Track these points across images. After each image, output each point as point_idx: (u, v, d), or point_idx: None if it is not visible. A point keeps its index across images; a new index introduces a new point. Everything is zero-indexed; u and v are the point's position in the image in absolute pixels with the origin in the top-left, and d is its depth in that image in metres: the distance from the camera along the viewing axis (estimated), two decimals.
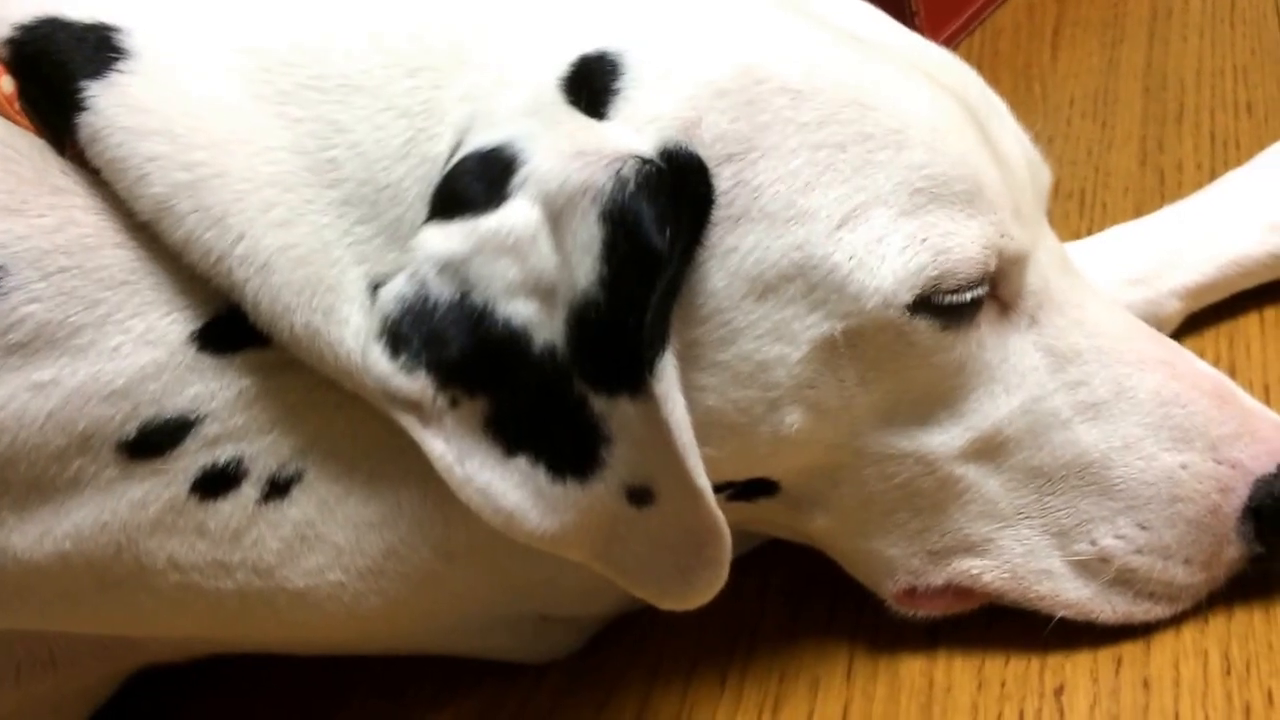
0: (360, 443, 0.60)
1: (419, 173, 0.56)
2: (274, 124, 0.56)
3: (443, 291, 0.53)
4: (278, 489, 0.59)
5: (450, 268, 0.53)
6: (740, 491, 0.63)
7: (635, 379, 0.52)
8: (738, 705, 0.69)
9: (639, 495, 0.55)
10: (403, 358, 0.53)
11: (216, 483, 0.58)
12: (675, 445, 0.53)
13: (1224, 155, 0.99)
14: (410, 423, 0.54)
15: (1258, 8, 1.18)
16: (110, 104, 0.55)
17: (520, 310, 0.53)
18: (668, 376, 0.53)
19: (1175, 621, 0.65)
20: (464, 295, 0.53)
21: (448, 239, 0.53)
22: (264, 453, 0.59)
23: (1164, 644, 0.65)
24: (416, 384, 0.53)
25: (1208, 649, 0.64)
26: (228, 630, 0.65)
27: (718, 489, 0.61)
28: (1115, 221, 0.87)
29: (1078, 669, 0.65)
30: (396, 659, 0.75)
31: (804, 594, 0.73)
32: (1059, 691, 0.64)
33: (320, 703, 0.76)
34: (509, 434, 0.54)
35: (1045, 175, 0.66)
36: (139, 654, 0.70)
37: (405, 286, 0.53)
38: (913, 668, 0.68)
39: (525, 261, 0.52)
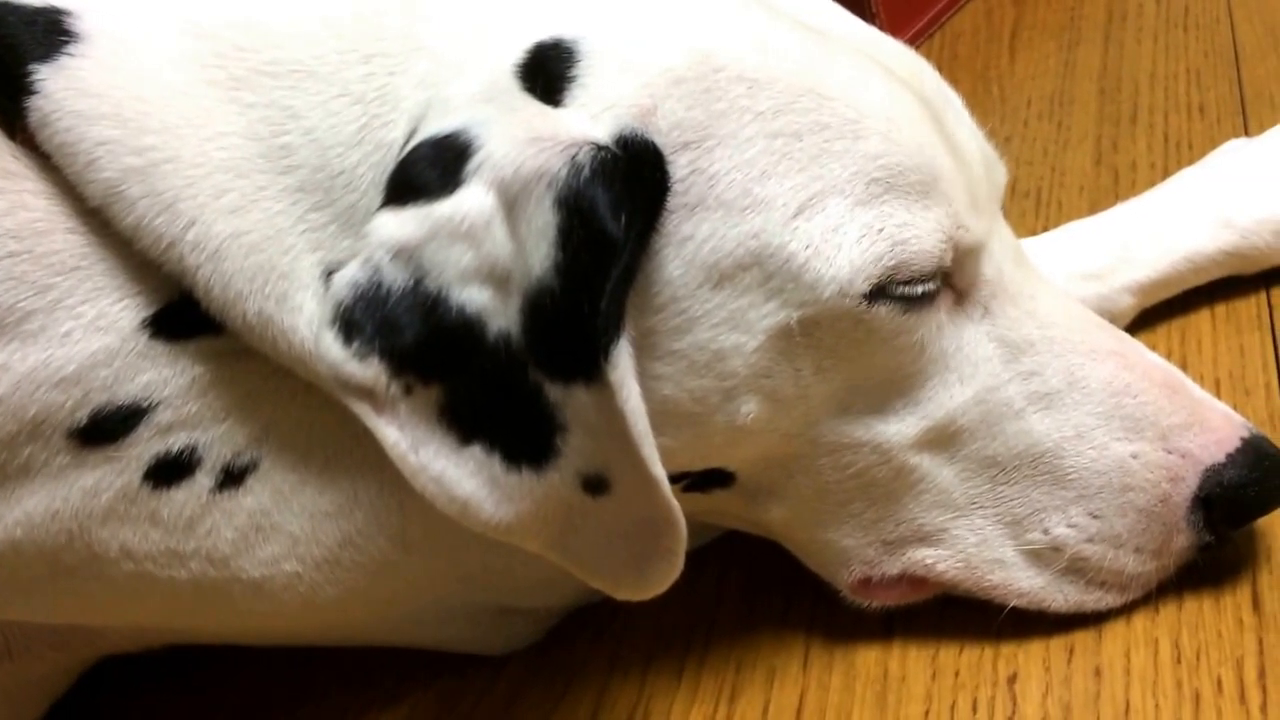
0: (316, 432, 0.59)
1: (373, 159, 0.55)
2: (227, 109, 0.55)
3: (396, 278, 0.52)
4: (232, 478, 0.58)
5: (404, 254, 0.51)
6: (696, 482, 0.62)
7: (590, 366, 0.51)
8: (695, 695, 0.68)
9: (594, 484, 0.54)
10: (355, 344, 0.52)
11: (170, 471, 0.57)
12: (630, 433, 0.52)
13: (1177, 155, 0.99)
14: (363, 410, 0.52)
15: (1210, 12, 1.19)
16: (60, 88, 0.54)
17: (474, 297, 0.51)
18: (623, 364, 0.52)
19: (1126, 610, 0.65)
20: (418, 282, 0.51)
21: (401, 225, 0.51)
22: (218, 441, 0.57)
23: (1115, 633, 0.64)
24: (369, 371, 0.52)
25: (1158, 638, 0.63)
26: (183, 620, 0.64)
27: (674, 479, 0.60)
28: (1071, 219, 0.87)
29: (1030, 658, 0.64)
30: (355, 651, 0.74)
31: (761, 585, 0.73)
32: (1012, 680, 0.63)
33: (281, 695, 0.75)
34: (464, 422, 0.53)
35: (1000, 171, 0.65)
36: (96, 644, 0.69)
37: (359, 272, 0.52)
38: (868, 657, 0.67)
39: (479, 248, 0.51)
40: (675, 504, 0.55)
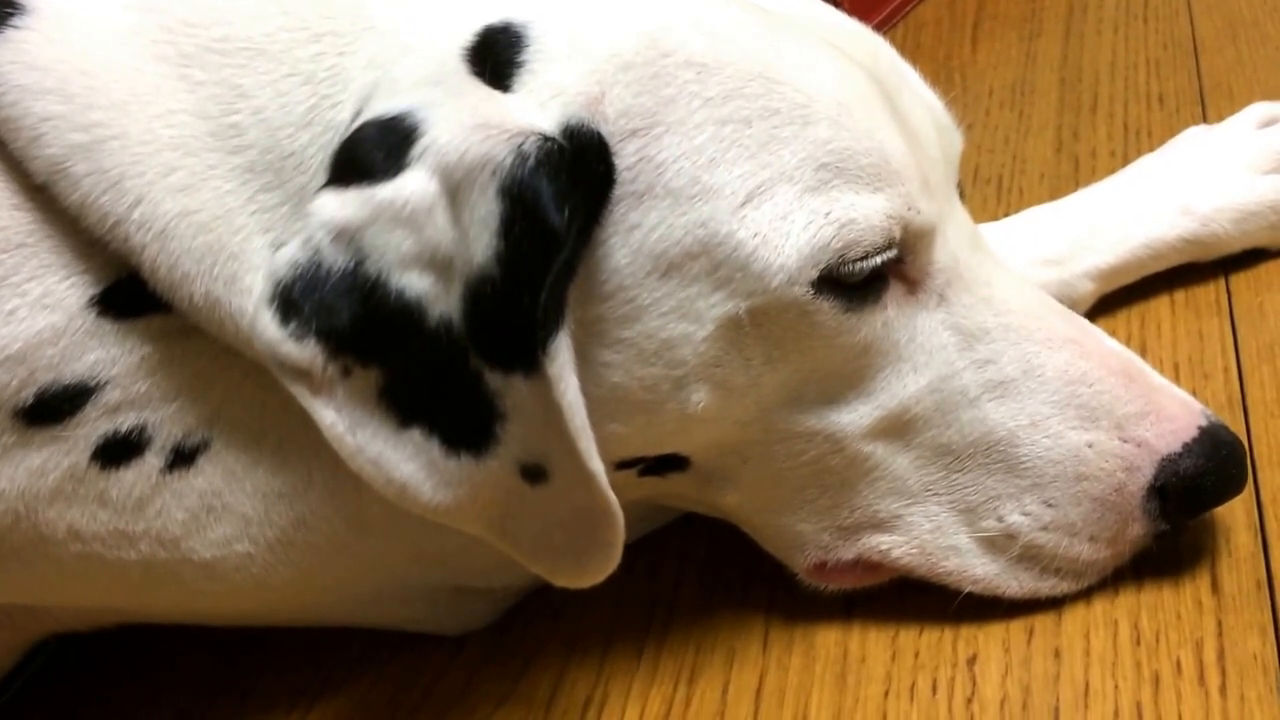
0: (270, 412, 0.57)
1: (323, 140, 0.53)
2: (176, 86, 0.53)
3: (336, 259, 0.49)
4: (182, 458, 0.56)
5: (345, 235, 0.49)
6: (652, 467, 0.60)
7: (529, 358, 0.49)
8: (654, 677, 0.66)
9: (533, 473, 0.52)
10: (292, 325, 0.49)
11: (118, 451, 0.55)
12: (568, 427, 0.50)
13: (1136, 144, 0.98)
14: (300, 391, 0.50)
15: (1170, 4, 1.19)
16: (4, 61, 0.52)
17: (414, 283, 0.49)
18: (561, 357, 0.50)
19: (1086, 593, 0.63)
20: (358, 264, 0.49)
21: (343, 206, 0.49)
22: (168, 421, 0.55)
23: (1075, 614, 0.62)
24: (306, 352, 0.49)
25: (1118, 619, 0.62)
26: (133, 601, 0.62)
27: (629, 464, 0.59)
28: (1032, 206, 0.85)
29: (990, 639, 0.62)
30: (311, 631, 0.72)
31: (720, 567, 0.71)
32: (971, 661, 0.62)
33: (234, 675, 0.73)
34: (403, 405, 0.51)
35: (957, 141, 0.64)
36: (44, 623, 0.67)
37: (299, 252, 0.50)
38: (828, 638, 0.65)
39: (421, 234, 0.49)
40: (612, 497, 0.53)
